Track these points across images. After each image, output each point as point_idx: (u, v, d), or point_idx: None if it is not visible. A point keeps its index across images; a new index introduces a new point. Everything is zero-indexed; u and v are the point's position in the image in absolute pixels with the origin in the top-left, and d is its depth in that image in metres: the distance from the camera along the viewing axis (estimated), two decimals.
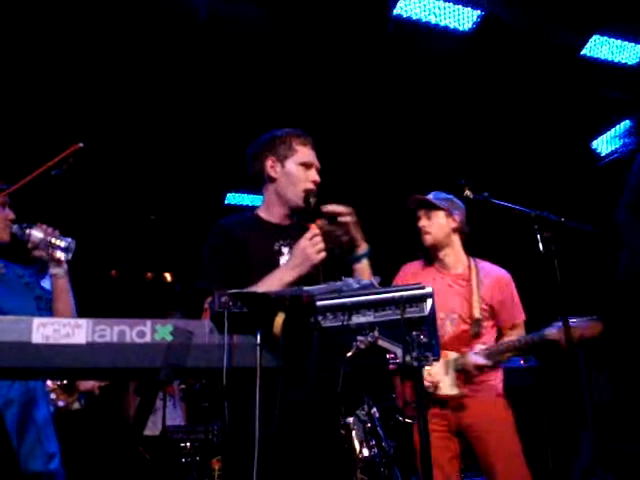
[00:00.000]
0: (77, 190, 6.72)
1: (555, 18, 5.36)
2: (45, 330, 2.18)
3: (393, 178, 6.97)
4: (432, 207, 3.97)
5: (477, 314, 3.80)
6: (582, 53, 5.50)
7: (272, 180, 3.10)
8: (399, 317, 2.35)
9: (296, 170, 3.05)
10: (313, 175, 3.06)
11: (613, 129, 6.67)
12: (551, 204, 3.51)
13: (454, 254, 3.98)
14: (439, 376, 3.83)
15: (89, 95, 5.88)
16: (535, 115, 6.41)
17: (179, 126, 6.57)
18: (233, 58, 5.60)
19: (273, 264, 2.95)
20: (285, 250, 3.01)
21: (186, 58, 5.57)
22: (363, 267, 2.95)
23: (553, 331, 3.62)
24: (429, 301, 2.39)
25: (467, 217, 4.06)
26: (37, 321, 2.19)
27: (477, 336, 3.84)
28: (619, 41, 5.47)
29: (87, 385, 4.80)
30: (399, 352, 2.40)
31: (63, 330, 2.19)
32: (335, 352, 2.31)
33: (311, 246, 2.82)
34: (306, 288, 2.34)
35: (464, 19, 5.13)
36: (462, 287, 3.92)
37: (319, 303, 2.33)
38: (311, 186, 3.03)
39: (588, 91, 6.08)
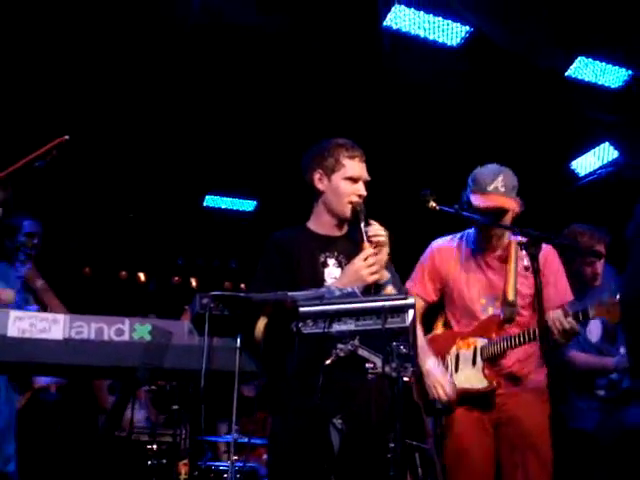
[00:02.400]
0: (55, 184, 6.66)
1: (541, 38, 5.42)
2: (21, 324, 2.15)
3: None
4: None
5: (511, 296, 3.45)
6: (567, 74, 5.56)
7: (320, 193, 3.13)
8: (380, 327, 2.33)
9: (342, 184, 3.06)
10: (359, 189, 3.07)
11: (593, 150, 6.73)
12: (528, 221, 3.51)
13: (501, 236, 3.60)
14: (466, 370, 3.51)
15: (73, 91, 5.84)
16: (517, 132, 6.46)
17: (161, 126, 6.54)
18: (218, 61, 5.60)
19: (318, 275, 2.99)
20: (330, 262, 3.04)
21: (170, 59, 5.55)
22: (388, 292, 2.95)
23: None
24: (410, 312, 2.38)
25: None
26: (14, 314, 2.16)
27: (510, 321, 3.46)
28: (603, 64, 5.54)
29: (42, 382, 4.71)
30: (378, 362, 2.39)
31: (40, 324, 2.15)
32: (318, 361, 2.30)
33: (365, 267, 2.88)
34: (290, 294, 2.33)
35: (453, 34, 5.16)
36: (501, 268, 3.55)
37: (301, 309, 2.31)
38: (356, 199, 3.04)
39: (570, 111, 6.14)
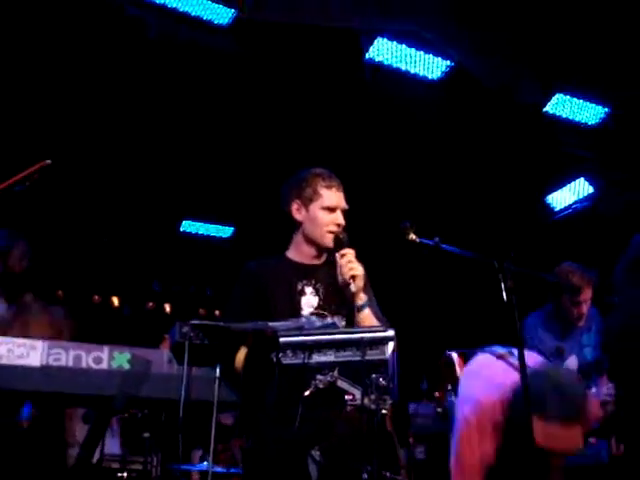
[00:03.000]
0: (29, 206, 6.59)
1: (520, 75, 5.51)
2: None
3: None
4: None
5: None
6: (545, 110, 5.65)
7: (298, 223, 3.14)
8: (360, 358, 2.33)
9: (320, 214, 3.08)
10: (337, 218, 3.08)
11: (568, 185, 6.82)
12: (503, 253, 3.54)
13: None
14: None
15: (49, 115, 5.81)
16: (495, 166, 6.53)
17: (138, 150, 6.52)
18: (195, 86, 5.61)
19: (294, 304, 2.98)
20: (308, 290, 3.04)
21: (145, 84, 5.55)
22: (365, 316, 2.94)
23: None
24: (390, 344, 2.39)
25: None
26: None
27: None
28: (581, 101, 5.64)
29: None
30: (358, 393, 2.39)
31: (17, 351, 2.12)
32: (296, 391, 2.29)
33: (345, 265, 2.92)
34: (270, 324, 2.32)
35: (433, 68, 5.24)
36: None
37: (281, 340, 2.31)
38: (334, 229, 3.06)
39: (547, 147, 6.23)
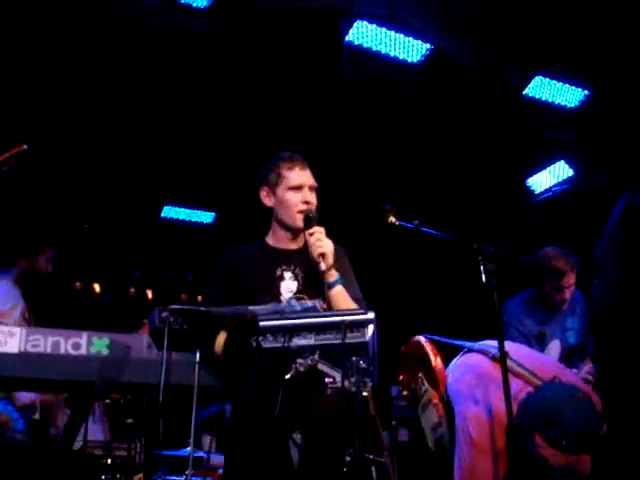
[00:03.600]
0: (9, 192, 6.54)
1: (500, 57, 5.51)
2: None
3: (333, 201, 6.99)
4: None
5: None
6: (524, 92, 5.66)
7: (270, 208, 3.17)
8: (340, 341, 2.34)
9: (287, 195, 3.10)
10: (304, 196, 3.09)
11: (548, 168, 6.85)
12: (484, 237, 3.55)
13: None
14: None
15: (29, 100, 5.76)
16: (475, 149, 6.54)
17: (119, 135, 6.47)
18: (176, 72, 5.59)
19: (273, 289, 3.00)
20: (287, 275, 3.06)
21: (127, 68, 5.52)
22: (338, 293, 2.95)
23: None
24: (370, 327, 2.40)
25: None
26: None
27: None
28: (560, 83, 5.66)
29: (25, 399, 4.47)
30: (338, 376, 2.40)
31: None
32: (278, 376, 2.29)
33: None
34: (250, 308, 2.32)
35: (413, 51, 5.23)
36: None
37: (261, 323, 2.32)
38: (304, 207, 3.06)
39: (527, 129, 6.25)
